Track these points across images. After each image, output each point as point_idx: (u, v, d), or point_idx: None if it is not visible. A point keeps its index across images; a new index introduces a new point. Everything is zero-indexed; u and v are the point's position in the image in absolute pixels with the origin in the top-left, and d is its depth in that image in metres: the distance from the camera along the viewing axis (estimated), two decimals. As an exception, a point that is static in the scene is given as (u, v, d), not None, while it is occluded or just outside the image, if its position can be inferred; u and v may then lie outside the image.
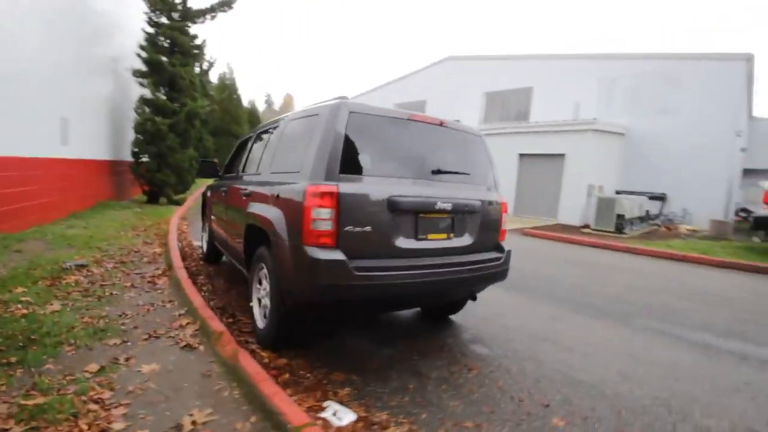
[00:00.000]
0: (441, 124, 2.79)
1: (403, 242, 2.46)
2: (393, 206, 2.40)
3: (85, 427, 1.72)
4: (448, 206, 2.61)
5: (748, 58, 13.82)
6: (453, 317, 3.68)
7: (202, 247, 5.50)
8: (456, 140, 2.87)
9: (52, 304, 3.10)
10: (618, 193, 14.24)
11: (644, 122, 15.33)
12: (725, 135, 13.67)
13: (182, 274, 4.09)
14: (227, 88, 27.38)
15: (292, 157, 2.75)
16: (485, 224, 2.90)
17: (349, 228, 2.27)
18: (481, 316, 3.74)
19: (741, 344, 3.42)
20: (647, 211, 13.02)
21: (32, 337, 2.51)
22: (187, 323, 2.98)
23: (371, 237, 2.35)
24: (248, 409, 1.98)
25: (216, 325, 2.80)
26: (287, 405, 1.89)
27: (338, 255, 2.21)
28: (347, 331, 3.23)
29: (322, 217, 2.22)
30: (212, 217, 4.68)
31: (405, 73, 24.14)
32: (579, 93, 16.76)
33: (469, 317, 3.68)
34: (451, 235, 2.71)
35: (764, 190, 7.17)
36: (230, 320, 3.18)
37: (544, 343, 3.20)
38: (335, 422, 1.96)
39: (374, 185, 2.39)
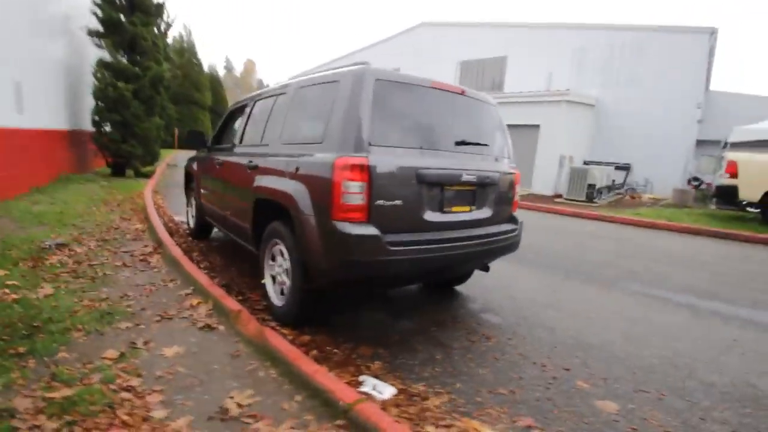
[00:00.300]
0: (462, 93, 2.72)
1: (430, 215, 2.43)
2: (421, 179, 2.35)
3: (125, 417, 1.63)
4: (473, 178, 2.59)
5: (712, 32, 14.33)
6: (458, 288, 3.75)
7: (188, 223, 5.25)
8: (475, 110, 2.82)
9: (42, 288, 2.88)
10: (586, 163, 14.77)
11: (613, 93, 15.77)
12: (686, 107, 14.35)
13: (176, 251, 3.90)
14: (186, 51, 25.52)
15: (308, 128, 2.61)
16: (502, 196, 2.92)
17: (380, 202, 2.21)
18: (482, 285, 3.84)
19: (722, 305, 3.72)
20: (613, 181, 13.66)
21: (34, 324, 2.32)
22: (198, 302, 2.86)
23: (401, 211, 2.30)
24: (290, 388, 1.95)
25: (231, 303, 2.71)
26: (333, 382, 1.87)
27: (372, 230, 2.16)
28: (355, 306, 3.22)
29: (353, 191, 2.14)
30: (201, 191, 4.44)
31: (376, 40, 23.35)
32: (552, 63, 16.91)
33: (471, 288, 3.77)
34: (473, 207, 2.71)
35: (728, 160, 7.64)
36: (239, 298, 3.08)
37: (549, 310, 3.34)
38: (378, 396, 1.97)
39: (403, 157, 2.32)
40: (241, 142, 3.57)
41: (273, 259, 2.84)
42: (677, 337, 2.95)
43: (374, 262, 2.18)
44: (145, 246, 4.32)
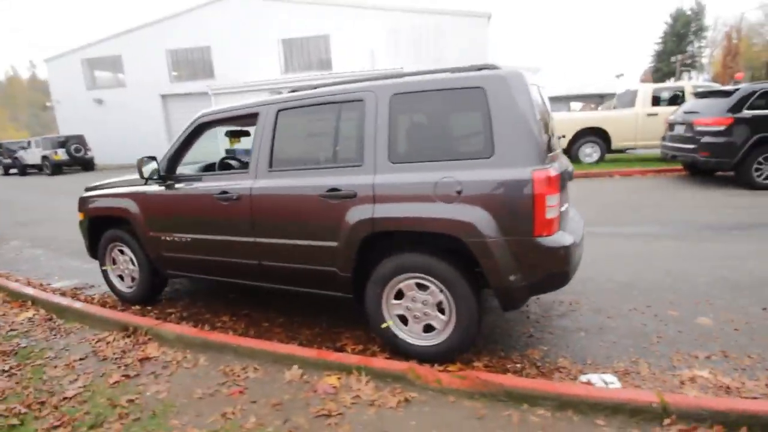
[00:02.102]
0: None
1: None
2: (564, 182, 2.43)
3: None
4: (569, 176, 2.81)
5: (489, 16, 17.95)
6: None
7: (112, 288, 3.68)
8: None
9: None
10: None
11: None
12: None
13: (189, 330, 2.77)
14: None
15: (447, 142, 2.28)
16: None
17: (563, 208, 2.21)
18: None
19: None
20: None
21: None
22: (336, 379, 2.22)
23: (563, 213, 2.36)
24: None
25: (397, 364, 2.24)
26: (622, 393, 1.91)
27: (569, 238, 2.17)
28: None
29: (552, 204, 2.09)
30: (163, 238, 3.18)
31: (176, 10, 19.72)
32: (373, 42, 18.04)
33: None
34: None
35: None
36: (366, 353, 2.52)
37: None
38: (612, 386, 2.12)
39: (556, 162, 2.34)
40: (271, 165, 2.73)
41: (398, 297, 2.45)
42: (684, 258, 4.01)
43: (573, 268, 2.22)
44: (94, 338, 2.89)
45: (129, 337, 2.86)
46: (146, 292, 3.52)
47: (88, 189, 3.81)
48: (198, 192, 2.99)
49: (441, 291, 2.33)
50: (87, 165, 18.69)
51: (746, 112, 6.70)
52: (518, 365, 2.42)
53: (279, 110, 2.74)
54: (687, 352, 2.47)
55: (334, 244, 2.51)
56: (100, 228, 3.66)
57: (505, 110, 2.14)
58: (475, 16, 17.78)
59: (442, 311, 2.37)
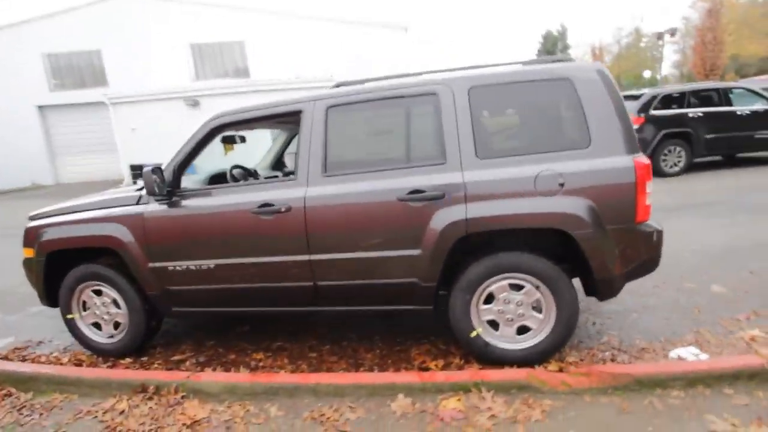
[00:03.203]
0: None
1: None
2: None
3: None
4: None
5: (406, 28, 18.63)
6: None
7: (83, 341, 2.86)
8: None
9: None
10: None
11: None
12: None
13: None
14: None
15: (541, 134, 2.20)
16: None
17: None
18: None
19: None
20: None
21: None
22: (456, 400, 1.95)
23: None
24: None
25: (515, 374, 2.05)
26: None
27: (657, 224, 2.24)
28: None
29: (649, 191, 2.14)
30: (170, 267, 2.56)
31: (53, 10, 16.77)
32: (295, 50, 17.43)
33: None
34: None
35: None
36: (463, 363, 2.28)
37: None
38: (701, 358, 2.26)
39: None
40: (326, 169, 2.35)
41: (488, 300, 2.30)
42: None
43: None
44: (96, 410, 2.18)
45: (151, 399, 2.23)
46: (137, 339, 2.80)
47: (34, 217, 2.94)
48: (225, 207, 2.47)
49: (537, 288, 2.24)
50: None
51: (653, 113, 7.90)
52: (607, 353, 2.44)
53: (329, 107, 2.40)
54: (729, 317, 2.73)
55: (415, 252, 2.26)
56: (60, 266, 2.84)
57: (596, 100, 2.14)
58: (394, 27, 18.32)
59: (537, 310, 2.29)
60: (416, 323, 2.98)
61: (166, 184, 2.50)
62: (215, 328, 3.21)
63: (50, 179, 17.52)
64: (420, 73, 2.41)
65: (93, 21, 16.65)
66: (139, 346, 2.83)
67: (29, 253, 2.85)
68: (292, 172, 4.11)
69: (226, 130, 2.65)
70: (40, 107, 17.15)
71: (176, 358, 2.78)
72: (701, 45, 24.04)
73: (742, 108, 7.96)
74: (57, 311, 3.58)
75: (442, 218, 2.19)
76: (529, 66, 2.30)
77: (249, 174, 3.32)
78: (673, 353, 2.36)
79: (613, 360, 2.35)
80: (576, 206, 2.09)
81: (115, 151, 15.28)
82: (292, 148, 4.16)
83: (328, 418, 1.97)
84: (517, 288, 2.27)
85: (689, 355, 2.31)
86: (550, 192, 2.12)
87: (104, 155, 17.11)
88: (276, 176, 3.89)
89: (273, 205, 2.37)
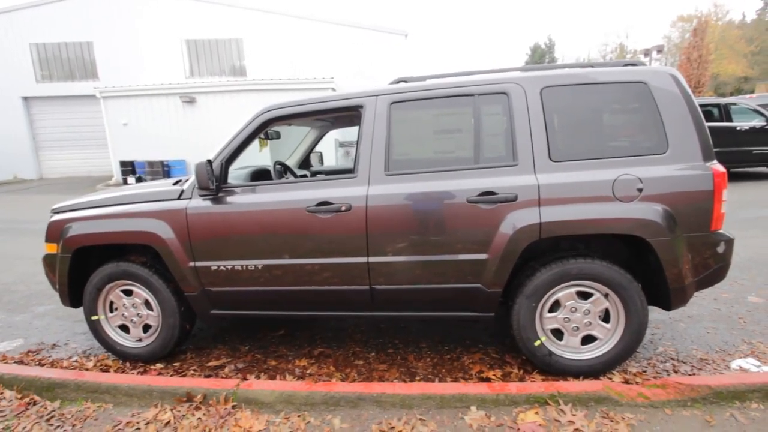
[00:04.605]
0: None
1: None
2: None
3: None
4: None
5: (406, 34, 18.68)
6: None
7: (106, 344, 2.66)
8: None
9: None
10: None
11: (348, 84, 17.91)
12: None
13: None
14: None
15: (610, 138, 2.15)
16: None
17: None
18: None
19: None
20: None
21: None
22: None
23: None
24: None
25: (591, 386, 1.97)
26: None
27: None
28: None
29: (725, 198, 2.11)
30: (214, 267, 2.40)
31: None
32: (293, 50, 17.25)
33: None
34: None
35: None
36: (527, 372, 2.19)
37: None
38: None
39: None
40: (388, 168, 2.24)
41: (554, 309, 2.22)
42: None
43: None
44: (136, 420, 2.00)
45: (199, 409, 2.06)
46: (169, 344, 2.61)
47: (58, 210, 2.74)
48: (277, 204, 2.33)
49: (606, 297, 2.18)
50: None
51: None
52: (667, 364, 2.39)
53: (392, 102, 2.30)
54: (776, 328, 2.73)
55: (482, 256, 2.17)
56: (86, 263, 2.64)
57: (673, 105, 2.11)
58: (393, 33, 18.34)
59: (605, 320, 2.22)
60: (461, 329, 2.89)
61: (215, 179, 2.35)
62: (247, 331, 3.04)
63: (33, 173, 16.82)
64: (489, 71, 2.34)
65: (85, 12, 16.16)
66: (170, 351, 2.66)
67: (52, 248, 2.65)
68: (319, 172, 4.06)
69: (277, 123, 2.52)
70: (26, 98, 16.50)
71: (212, 364, 2.61)
72: (687, 62, 24.83)
73: (741, 124, 8.20)
74: (67, 311, 3.38)
75: (513, 221, 2.11)
76: (601, 68, 2.25)
77: (290, 172, 3.18)
78: (734, 364, 2.33)
79: (675, 371, 2.31)
80: (655, 213, 2.04)
81: (104, 146, 14.79)
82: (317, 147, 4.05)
83: (399, 431, 1.85)
84: (585, 296, 2.21)
85: (751, 367, 2.29)
86: (628, 197, 2.06)
87: (92, 150, 16.56)
88: (304, 175, 3.77)
89: (332, 203, 2.25)
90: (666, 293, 2.16)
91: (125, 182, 13.53)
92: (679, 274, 2.09)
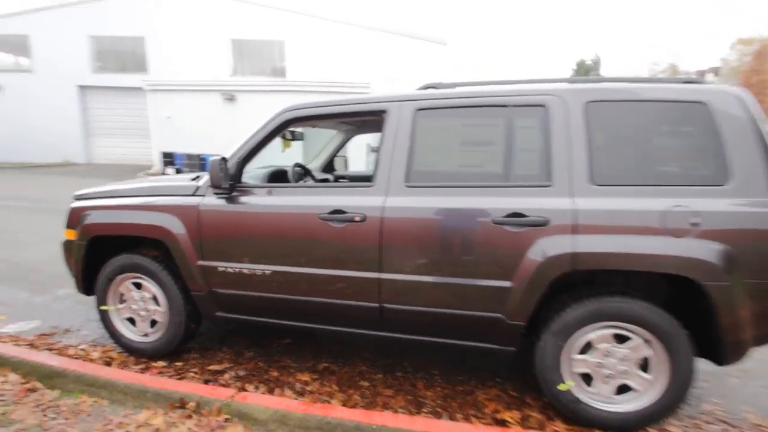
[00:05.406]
0: None
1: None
2: None
3: None
4: None
5: (445, 43, 18.53)
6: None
7: (114, 336, 2.64)
8: None
9: None
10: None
11: (385, 89, 17.96)
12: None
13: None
14: None
15: (661, 163, 1.91)
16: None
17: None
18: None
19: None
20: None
21: None
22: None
23: None
24: None
25: None
26: None
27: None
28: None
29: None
30: (221, 268, 2.32)
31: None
32: (333, 55, 17.44)
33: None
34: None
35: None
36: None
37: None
38: None
39: None
40: (408, 179, 2.09)
41: (583, 351, 1.97)
42: None
43: None
44: (126, 421, 1.93)
45: (190, 417, 1.96)
46: (173, 341, 2.55)
47: (80, 197, 2.75)
48: (290, 209, 2.22)
49: (647, 343, 1.91)
50: (-29, 162, 15.15)
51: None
52: (714, 426, 2.08)
53: (418, 109, 2.14)
54: None
55: (505, 283, 1.97)
56: (101, 252, 2.63)
57: (738, 131, 1.83)
58: (433, 41, 18.24)
59: (644, 369, 1.95)
60: (478, 359, 2.66)
61: (229, 177, 2.27)
62: (254, 336, 2.94)
63: (82, 158, 17.83)
64: (526, 81, 2.14)
65: (139, 8, 17.03)
66: (174, 348, 2.59)
67: (71, 235, 2.66)
68: (343, 177, 3.95)
69: (298, 124, 2.42)
70: (81, 87, 17.55)
71: (214, 367, 2.52)
72: (746, 87, 23.22)
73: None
74: (85, 297, 3.39)
75: (543, 248, 1.89)
76: (656, 84, 2.01)
77: (309, 175, 3.09)
78: (797, 435, 1.99)
79: (726, 435, 2.00)
80: (711, 252, 1.76)
81: (147, 137, 15.43)
82: (341, 151, 3.95)
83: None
84: (622, 339, 1.95)
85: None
86: (679, 232, 1.80)
87: (137, 140, 17.35)
88: (326, 179, 3.66)
89: (346, 212, 2.11)
90: (718, 345, 1.88)
91: (164, 173, 14.06)
92: (735, 325, 1.80)
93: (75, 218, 2.63)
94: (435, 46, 18.19)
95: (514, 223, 1.92)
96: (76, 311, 3.31)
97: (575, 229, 1.87)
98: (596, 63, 49.49)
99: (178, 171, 13.86)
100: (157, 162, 14.67)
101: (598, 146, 1.94)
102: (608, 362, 1.96)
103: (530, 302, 1.95)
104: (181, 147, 14.34)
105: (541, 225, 1.90)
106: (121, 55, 17.83)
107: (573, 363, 2.00)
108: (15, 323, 3.07)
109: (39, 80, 17.40)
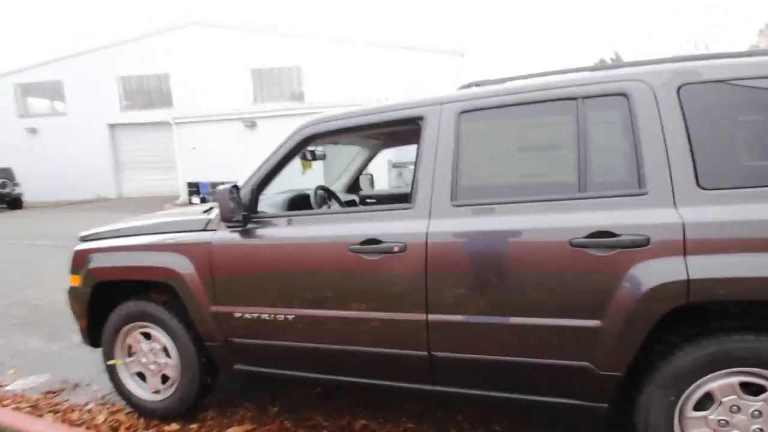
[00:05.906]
0: None
1: None
2: None
3: None
4: None
5: (462, 53, 18.29)
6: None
7: (123, 395, 2.33)
8: None
9: None
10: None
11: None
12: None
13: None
14: None
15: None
16: None
17: None
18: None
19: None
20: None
21: None
22: None
23: None
24: None
25: None
26: None
27: None
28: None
29: None
30: (244, 314, 1.97)
31: (128, 36, 18.09)
32: (349, 75, 17.49)
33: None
34: None
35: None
36: None
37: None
38: None
39: None
40: (455, 197, 1.70)
41: (701, 407, 1.49)
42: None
43: None
44: None
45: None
46: (187, 400, 2.21)
47: (85, 238, 2.49)
48: (314, 240, 1.87)
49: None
50: (13, 203, 15.81)
51: None
52: None
53: (462, 112, 1.76)
54: None
55: (592, 323, 1.52)
56: (108, 299, 2.35)
57: None
58: (449, 53, 18.03)
59: (789, 430, 1.45)
60: (555, 412, 2.18)
61: (242, 207, 1.94)
62: (279, 385, 2.57)
63: (113, 192, 18.40)
64: (594, 67, 1.73)
65: (163, 47, 17.72)
66: (191, 406, 2.25)
67: (75, 281, 2.39)
68: (369, 197, 3.59)
69: (319, 141, 2.09)
70: (111, 125, 18.26)
71: (234, 430, 2.15)
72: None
73: None
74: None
75: (644, 276, 1.44)
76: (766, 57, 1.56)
77: (334, 198, 2.74)
78: None
79: None
80: None
81: (173, 168, 15.75)
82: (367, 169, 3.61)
83: None
84: (756, 390, 1.46)
85: None
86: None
87: (163, 172, 17.78)
88: (352, 201, 3.31)
89: (381, 241, 1.73)
90: None
91: (190, 202, 14.21)
92: None
93: (79, 262, 2.37)
94: (452, 57, 17.95)
95: (600, 245, 1.49)
96: (89, 361, 3.02)
97: (686, 249, 1.42)
98: (616, 61, 48.46)
99: (203, 200, 13.99)
100: (183, 192, 14.88)
101: (702, 140, 1.49)
102: (736, 420, 1.46)
103: (629, 346, 1.49)
104: (205, 176, 14.52)
105: (639, 245, 1.45)
106: (147, 93, 18.52)
107: (688, 423, 1.51)
108: (24, 378, 2.82)
109: (72, 122, 18.24)
